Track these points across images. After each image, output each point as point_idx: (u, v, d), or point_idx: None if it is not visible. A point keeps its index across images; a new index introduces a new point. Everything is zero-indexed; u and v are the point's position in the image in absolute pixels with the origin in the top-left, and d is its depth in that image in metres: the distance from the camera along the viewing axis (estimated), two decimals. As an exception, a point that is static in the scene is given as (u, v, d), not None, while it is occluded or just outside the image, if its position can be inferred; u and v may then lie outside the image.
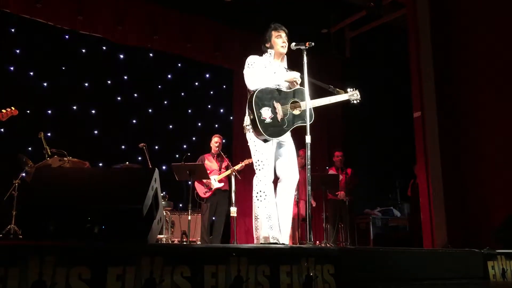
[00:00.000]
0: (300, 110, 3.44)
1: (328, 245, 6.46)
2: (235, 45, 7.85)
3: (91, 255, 1.79)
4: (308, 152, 3.29)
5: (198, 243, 6.29)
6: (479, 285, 3.09)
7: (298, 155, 3.77)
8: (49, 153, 5.19)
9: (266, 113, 3.33)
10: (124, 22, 6.89)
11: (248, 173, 6.42)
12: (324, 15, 7.77)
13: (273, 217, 3.35)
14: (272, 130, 3.33)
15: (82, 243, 1.94)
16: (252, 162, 5.88)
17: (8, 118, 4.73)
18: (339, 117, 8.94)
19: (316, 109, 3.56)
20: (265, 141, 3.41)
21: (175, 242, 6.41)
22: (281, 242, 3.27)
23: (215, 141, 6.46)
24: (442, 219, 5.81)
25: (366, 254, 2.76)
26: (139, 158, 6.90)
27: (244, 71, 3.51)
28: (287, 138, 3.54)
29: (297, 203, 6.18)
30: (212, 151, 6.47)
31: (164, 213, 5.93)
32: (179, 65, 8.22)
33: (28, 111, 6.42)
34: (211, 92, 8.60)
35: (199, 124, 8.37)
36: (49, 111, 6.89)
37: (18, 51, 6.71)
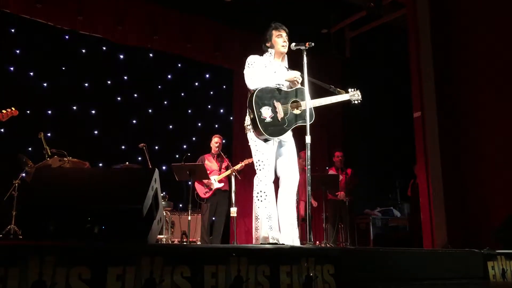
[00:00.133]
0: (300, 110, 3.43)
1: (328, 245, 6.46)
2: (235, 45, 7.85)
3: (91, 255, 1.79)
4: (308, 152, 3.28)
5: (198, 243, 6.29)
6: (479, 285, 3.09)
7: (299, 157, 3.76)
8: (49, 153, 5.20)
9: (266, 112, 3.33)
10: (124, 22, 6.88)
11: (248, 173, 6.43)
12: (324, 15, 7.77)
13: (273, 217, 3.34)
14: (273, 129, 3.33)
15: (82, 243, 1.94)
16: (251, 162, 5.92)
17: (8, 119, 4.73)
18: (339, 117, 8.94)
19: (316, 109, 3.55)
20: (266, 140, 3.40)
21: (175, 242, 6.41)
22: (281, 243, 3.27)
23: (215, 141, 6.46)
24: (442, 219, 5.81)
25: (366, 254, 2.76)
26: (139, 158, 6.90)
27: (245, 71, 3.51)
28: (288, 138, 3.53)
29: (297, 204, 6.17)
30: (212, 151, 6.47)
31: (164, 213, 5.92)
32: (179, 65, 8.22)
33: (28, 111, 6.42)
34: (211, 92, 8.61)
35: (199, 124, 8.37)
36: (49, 111, 6.89)
37: (18, 51, 6.71)
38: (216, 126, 8.23)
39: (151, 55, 7.90)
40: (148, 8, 7.17)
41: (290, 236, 3.36)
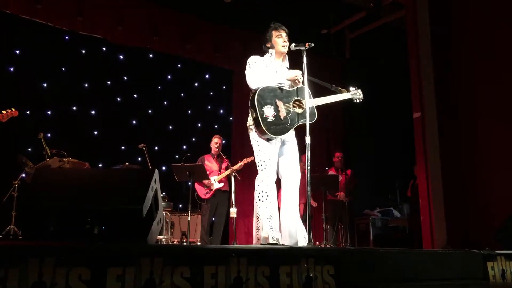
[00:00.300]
0: (303, 109, 3.42)
1: (328, 245, 6.46)
2: (235, 45, 7.85)
3: (91, 255, 1.79)
4: (308, 153, 3.28)
5: (198, 244, 6.29)
6: (479, 286, 3.09)
7: (300, 160, 3.74)
8: (49, 154, 5.19)
9: (268, 111, 3.33)
10: (124, 22, 6.89)
11: (248, 174, 6.44)
12: (324, 16, 7.77)
13: (274, 217, 3.33)
14: (275, 128, 3.32)
15: (82, 244, 1.94)
16: (250, 162, 5.93)
17: (8, 119, 4.73)
18: (339, 117, 8.94)
19: (317, 110, 3.55)
20: (268, 140, 3.40)
21: (175, 242, 6.42)
22: (281, 243, 3.27)
23: (215, 142, 6.46)
24: (442, 219, 5.81)
25: (366, 254, 2.75)
26: (139, 158, 6.90)
27: (246, 71, 3.51)
28: (290, 137, 3.52)
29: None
30: (212, 151, 6.47)
31: (164, 214, 5.92)
32: (179, 65, 8.22)
33: (28, 112, 6.42)
34: (211, 93, 8.61)
35: (199, 124, 8.37)
36: (49, 112, 6.88)
37: (18, 51, 6.71)
38: (216, 126, 8.23)
39: (151, 55, 7.90)
40: (148, 8, 7.17)
41: (293, 237, 3.35)
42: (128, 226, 2.31)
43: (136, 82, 7.70)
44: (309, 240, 3.17)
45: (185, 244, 6.10)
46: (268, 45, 3.59)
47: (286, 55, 3.64)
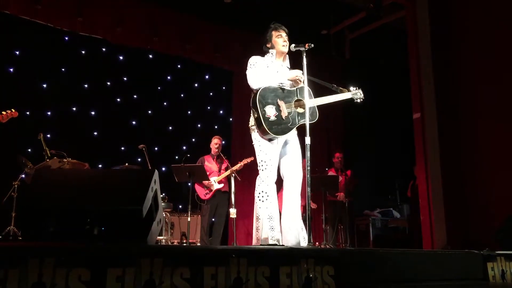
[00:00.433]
0: (304, 108, 3.42)
1: (327, 246, 6.45)
2: (235, 46, 7.85)
3: (90, 256, 1.79)
4: (308, 154, 3.28)
5: (197, 244, 6.29)
6: (479, 287, 3.09)
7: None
8: (49, 155, 5.19)
9: (270, 111, 3.33)
10: (123, 23, 6.88)
11: (248, 174, 6.43)
12: (324, 16, 7.77)
13: (275, 218, 3.33)
14: (277, 128, 3.32)
15: (82, 245, 1.94)
16: (250, 162, 5.92)
17: (8, 120, 4.73)
18: (339, 118, 8.94)
19: (318, 109, 3.55)
20: (270, 140, 3.40)
21: (175, 243, 6.41)
22: (281, 243, 3.26)
23: (215, 143, 6.46)
24: (442, 220, 5.81)
25: (366, 255, 2.75)
26: (139, 159, 6.90)
27: (247, 71, 3.51)
28: (292, 137, 3.52)
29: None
30: (212, 152, 6.47)
31: (164, 215, 5.92)
32: (179, 66, 8.22)
33: (28, 112, 6.42)
34: (211, 93, 8.60)
35: (199, 125, 8.37)
36: (49, 113, 6.88)
37: (18, 52, 6.71)
38: (216, 127, 8.22)
39: (150, 56, 7.89)
40: (148, 9, 7.17)
41: (295, 237, 3.34)
42: (128, 226, 2.31)
43: (136, 82, 7.70)
44: (309, 241, 3.17)
45: (185, 244, 6.10)
46: (268, 45, 3.59)
47: (287, 55, 3.65)
